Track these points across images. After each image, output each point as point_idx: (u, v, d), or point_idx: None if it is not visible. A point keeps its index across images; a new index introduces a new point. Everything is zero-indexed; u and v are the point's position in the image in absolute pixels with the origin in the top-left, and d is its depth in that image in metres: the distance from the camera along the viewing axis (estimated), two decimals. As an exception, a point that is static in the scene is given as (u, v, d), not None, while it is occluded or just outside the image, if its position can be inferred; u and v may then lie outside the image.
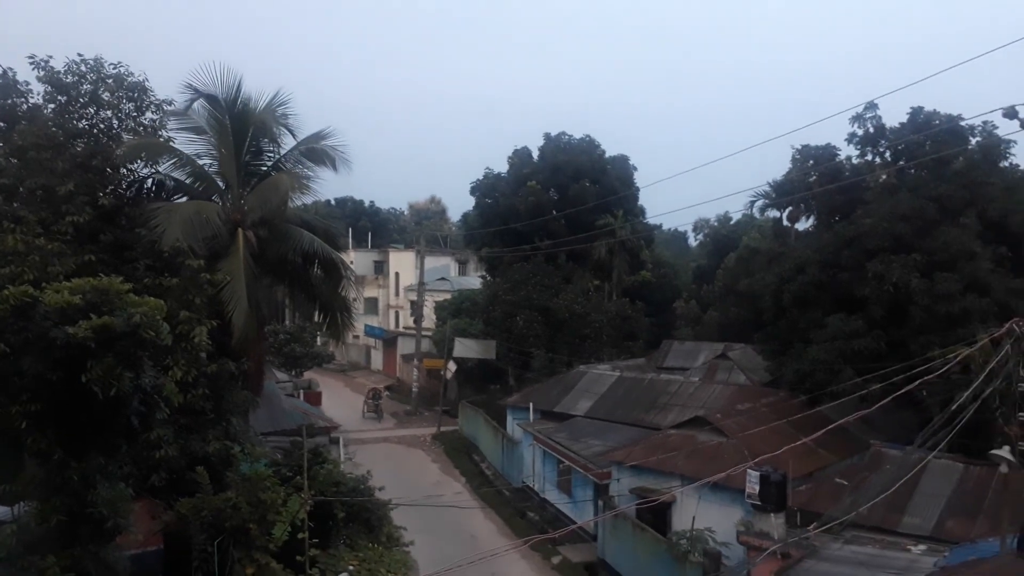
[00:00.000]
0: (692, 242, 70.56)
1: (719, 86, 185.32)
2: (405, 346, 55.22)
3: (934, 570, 14.72)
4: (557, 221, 44.20)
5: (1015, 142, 25.46)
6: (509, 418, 35.14)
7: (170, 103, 19.32)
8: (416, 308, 49.68)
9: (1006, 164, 26.36)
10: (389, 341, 61.44)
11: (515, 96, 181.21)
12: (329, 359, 52.19)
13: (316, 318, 21.93)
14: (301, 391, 40.35)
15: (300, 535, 15.08)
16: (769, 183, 36.72)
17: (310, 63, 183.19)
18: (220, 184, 20.08)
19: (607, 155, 47.74)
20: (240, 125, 19.42)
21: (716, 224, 57.52)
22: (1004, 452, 8.84)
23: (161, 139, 19.15)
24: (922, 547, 17.05)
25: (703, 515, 20.37)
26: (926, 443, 10.39)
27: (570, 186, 44.93)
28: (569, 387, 33.34)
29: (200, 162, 19.91)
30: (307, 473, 16.14)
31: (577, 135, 47.92)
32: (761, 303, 28.90)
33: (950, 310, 22.02)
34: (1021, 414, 8.85)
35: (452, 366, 44.84)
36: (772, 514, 18.45)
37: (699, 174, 53.23)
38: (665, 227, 60.72)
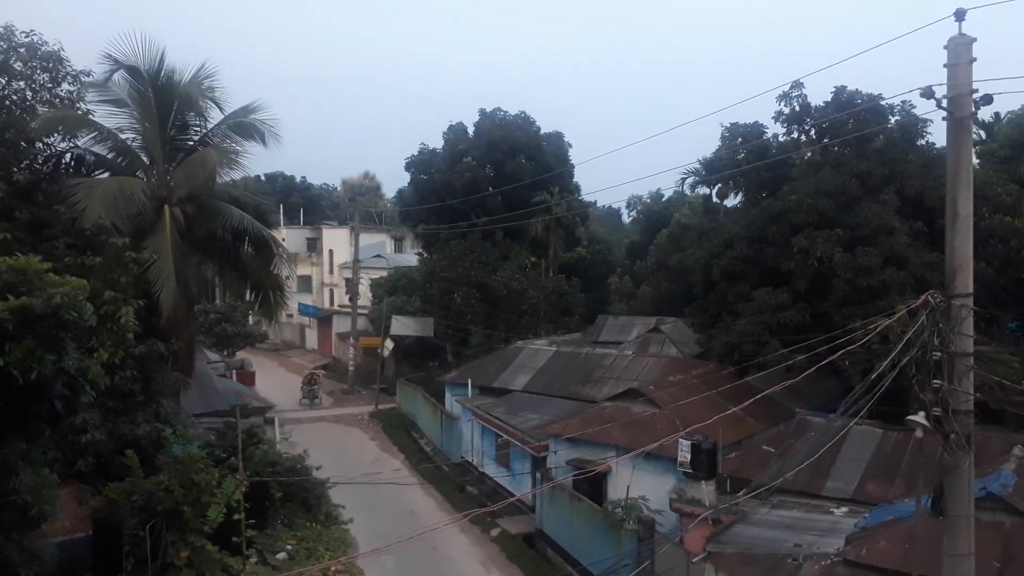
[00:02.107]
0: (626, 219, 71.52)
1: (652, 64, 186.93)
2: (341, 324, 54.61)
3: (855, 530, 15.47)
4: (493, 198, 44.09)
5: (931, 121, 26.43)
6: (448, 394, 35.22)
7: (88, 74, 18.49)
8: (351, 286, 49.07)
9: (923, 142, 27.37)
10: (324, 319, 60.66)
11: (450, 71, 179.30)
12: (262, 338, 51.22)
13: (248, 297, 21.46)
14: (234, 371, 39.64)
15: (236, 516, 14.89)
16: (699, 160, 37.40)
17: (239, 36, 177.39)
18: (144, 159, 19.39)
19: (542, 131, 47.75)
20: (164, 98, 18.75)
21: (648, 201, 58.27)
22: (919, 418, 9.27)
23: (79, 112, 18.33)
24: (844, 509, 17.88)
25: (637, 484, 20.88)
26: (848, 410, 10.83)
27: (506, 162, 44.84)
28: (507, 362, 33.57)
29: (122, 136, 19.16)
30: (242, 454, 15.90)
31: (512, 111, 47.78)
32: (691, 278, 29.58)
33: (870, 283, 22.93)
34: (935, 381, 9.28)
35: (389, 344, 44.58)
36: (703, 481, 19.07)
37: (632, 152, 53.93)
38: (599, 204, 61.31)
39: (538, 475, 24.83)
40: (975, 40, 9.30)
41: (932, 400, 9.49)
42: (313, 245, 68.92)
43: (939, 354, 9.55)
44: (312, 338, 63.85)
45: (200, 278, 21.39)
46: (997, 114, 31.49)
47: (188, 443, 16.43)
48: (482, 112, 47.51)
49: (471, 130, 47.39)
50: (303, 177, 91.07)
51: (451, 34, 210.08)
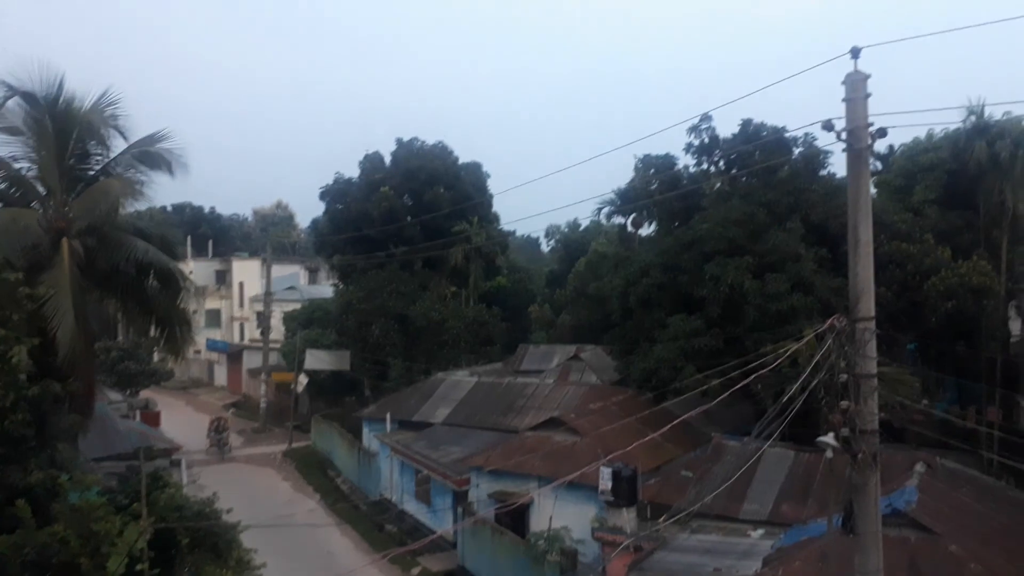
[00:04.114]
0: (545, 248, 72.20)
1: (567, 95, 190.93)
2: (251, 360, 52.93)
3: (771, 552, 15.80)
4: (412, 227, 43.78)
5: (832, 152, 27.90)
6: (365, 430, 34.47)
7: (-22, 100, 17.48)
8: (263, 319, 47.71)
9: (825, 173, 28.77)
10: (234, 355, 58.73)
11: (366, 100, 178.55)
12: (168, 376, 49.06)
13: (152, 333, 20.48)
14: (137, 412, 37.87)
15: (139, 567, 14.02)
16: (614, 191, 38.17)
17: (144, 65, 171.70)
18: (40, 190, 18.36)
19: (460, 161, 47.86)
20: (63, 126, 17.86)
21: (566, 230, 59.11)
22: (829, 439, 9.57)
23: (-33, 139, 17.28)
24: (760, 531, 18.27)
25: (560, 514, 20.81)
26: (761, 433, 11.09)
27: (424, 192, 44.65)
28: (427, 395, 33.14)
29: (16, 166, 18.11)
30: (146, 499, 15.06)
31: (430, 141, 47.75)
32: (609, 305, 30.02)
33: (780, 308, 23.74)
34: (843, 403, 9.61)
35: (303, 379, 43.38)
36: (624, 509, 19.18)
37: (549, 182, 54.62)
38: (519, 233, 61.67)
39: (459, 510, 24.46)
40: (870, 76, 9.80)
41: (840, 421, 9.81)
42: (222, 277, 66.83)
43: (845, 376, 9.90)
44: (221, 375, 61.65)
45: (101, 314, 20.31)
46: (891, 146, 33.41)
47: (86, 490, 15.43)
48: (399, 141, 47.30)
49: (388, 159, 47.08)
50: (212, 207, 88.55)
51: (367, 64, 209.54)
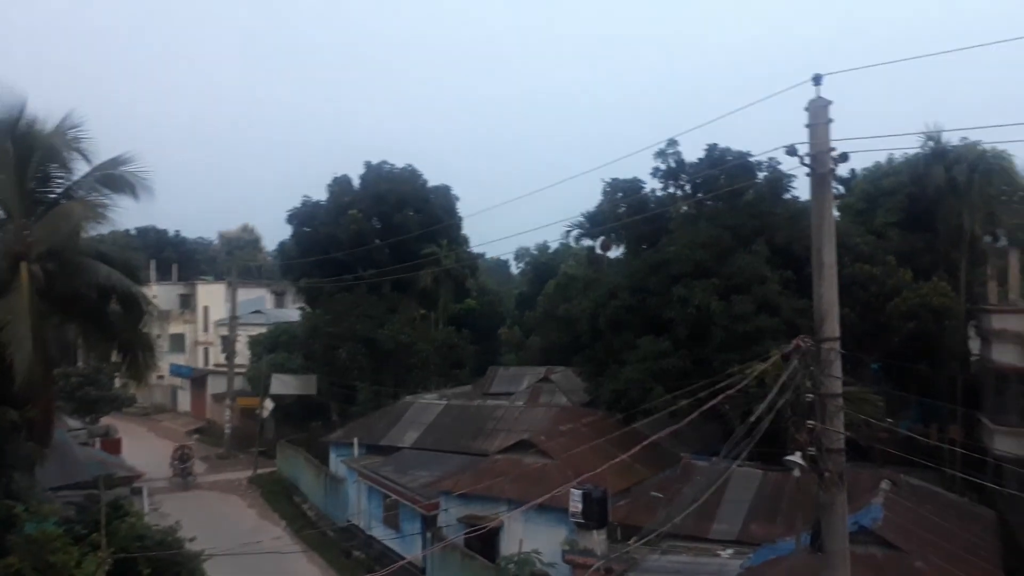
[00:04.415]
0: (514, 270, 72.30)
1: (535, 117, 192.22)
2: (216, 385, 52.14)
3: (740, 572, 15.84)
4: (381, 250, 43.63)
5: (796, 176, 28.31)
6: (332, 455, 34.04)
7: (-63, 123, 17.12)
8: (228, 344, 47.04)
9: (789, 196, 29.25)
10: (198, 380, 57.81)
11: (333, 123, 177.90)
12: (130, 402, 48.00)
13: (114, 358, 20.08)
14: (97, 439, 36.99)
15: (98, 599, 13.63)
16: (583, 214, 38.45)
17: (108, 85, 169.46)
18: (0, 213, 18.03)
19: (429, 184, 47.94)
20: (24, 149, 17.55)
21: (536, 253, 59.32)
22: (796, 458, 9.65)
23: (-77, 162, 16.90)
24: (730, 551, 18.33)
25: (530, 537, 20.68)
26: (730, 453, 11.15)
27: (393, 215, 44.60)
28: (396, 419, 32.84)
29: (-26, 189, 17.76)
30: (105, 528, 14.70)
31: (399, 164, 47.80)
32: (579, 327, 30.12)
33: (746, 329, 24.01)
34: (809, 422, 9.71)
35: (269, 404, 42.73)
36: (595, 531, 19.11)
37: (519, 205, 54.61)
38: (488, 256, 61.65)
39: (429, 535, 24.18)
40: (831, 103, 10.03)
41: (807, 440, 9.91)
42: (187, 302, 65.91)
43: (811, 395, 10.02)
44: (185, 400, 60.58)
45: (61, 339, 19.88)
46: (853, 170, 34.13)
47: (43, 520, 15.01)
48: (368, 165, 47.25)
49: (356, 183, 46.96)
50: (177, 231, 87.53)
51: (335, 88, 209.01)
